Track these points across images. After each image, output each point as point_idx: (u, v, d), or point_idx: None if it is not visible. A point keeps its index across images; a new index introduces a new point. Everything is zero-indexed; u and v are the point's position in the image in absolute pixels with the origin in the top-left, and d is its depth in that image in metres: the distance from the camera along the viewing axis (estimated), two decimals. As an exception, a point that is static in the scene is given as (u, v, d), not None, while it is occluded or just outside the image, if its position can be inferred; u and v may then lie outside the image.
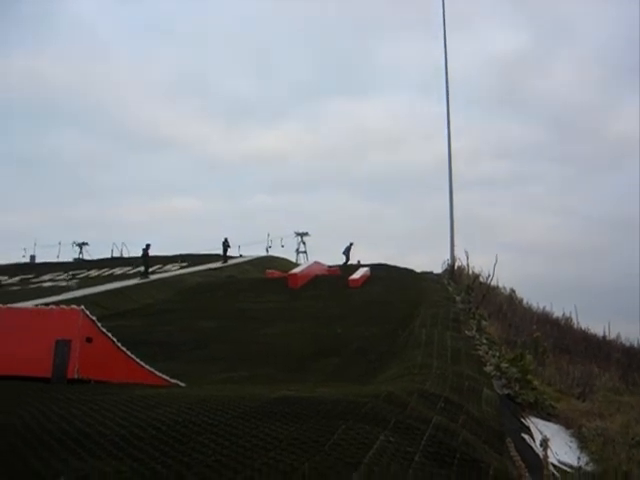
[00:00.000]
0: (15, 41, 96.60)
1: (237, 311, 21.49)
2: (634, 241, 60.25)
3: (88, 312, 8.38)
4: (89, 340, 8.19)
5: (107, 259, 45.41)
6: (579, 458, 8.44)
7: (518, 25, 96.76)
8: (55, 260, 47.06)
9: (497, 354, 12.93)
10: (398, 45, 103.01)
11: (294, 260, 47.82)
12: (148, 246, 33.62)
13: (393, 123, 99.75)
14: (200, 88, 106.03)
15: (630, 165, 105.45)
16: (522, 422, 9.28)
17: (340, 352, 14.06)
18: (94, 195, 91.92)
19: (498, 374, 11.32)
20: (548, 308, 25.28)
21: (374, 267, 35.15)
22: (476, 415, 6.96)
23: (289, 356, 13.82)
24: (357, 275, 29.13)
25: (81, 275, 36.33)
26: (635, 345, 21.71)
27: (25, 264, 45.54)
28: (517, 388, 10.93)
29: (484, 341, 14.40)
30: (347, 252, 41.34)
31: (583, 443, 9.57)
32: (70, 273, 36.85)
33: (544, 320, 23.48)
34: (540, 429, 9.40)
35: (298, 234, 50.98)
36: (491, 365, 11.76)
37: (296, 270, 31.04)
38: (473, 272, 26.79)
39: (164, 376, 9.25)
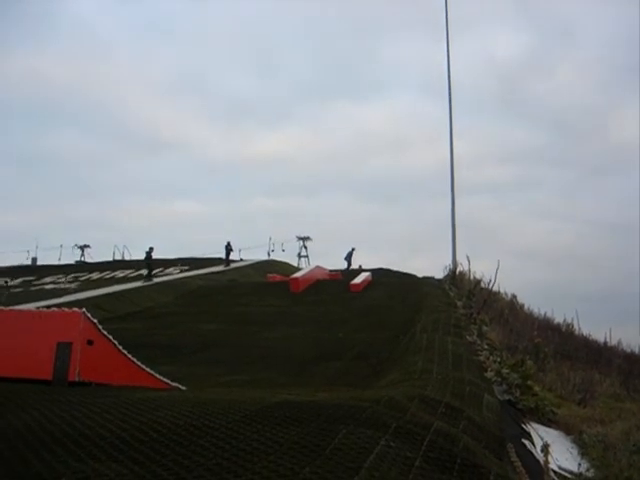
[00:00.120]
0: (16, 41, 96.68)
1: (238, 315, 21.49)
2: (635, 245, 60.21)
3: (89, 315, 8.39)
4: (90, 343, 8.19)
5: (109, 262, 45.41)
6: (580, 464, 8.44)
7: (520, 28, 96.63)
8: (57, 263, 47.09)
9: (498, 360, 12.92)
10: (400, 47, 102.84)
11: (295, 264, 47.86)
12: (151, 249, 33.67)
13: (395, 126, 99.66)
14: (201, 89, 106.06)
15: (631, 169, 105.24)
16: (523, 428, 9.27)
17: (341, 357, 14.06)
18: (95, 197, 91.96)
19: (499, 380, 11.31)
20: (549, 314, 25.26)
21: (375, 272, 35.15)
22: (477, 420, 6.96)
23: (290, 360, 13.82)
24: (358, 280, 29.12)
25: (83, 278, 36.34)
26: (636, 351, 21.68)
27: (26, 266, 45.55)
28: (518, 394, 10.92)
29: (485, 347, 14.39)
30: (349, 257, 41.39)
31: (584, 449, 9.56)
32: (72, 276, 36.87)
33: (545, 326, 23.45)
34: (541, 435, 9.39)
35: (300, 238, 51.04)
36: (492, 371, 11.75)
37: (298, 274, 31.03)
38: (474, 277, 26.79)
39: (165, 379, 9.25)
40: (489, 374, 11.52)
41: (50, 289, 30.01)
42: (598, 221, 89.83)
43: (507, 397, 10.66)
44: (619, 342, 22.22)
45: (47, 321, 8.67)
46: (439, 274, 33.15)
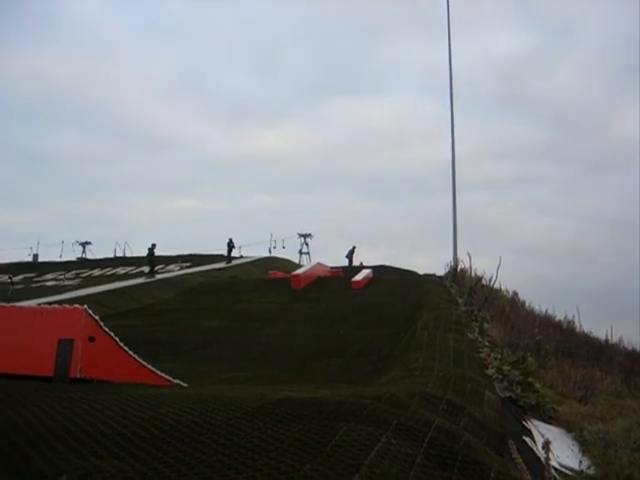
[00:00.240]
0: (16, 40, 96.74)
1: (239, 311, 21.50)
2: (636, 242, 60.17)
3: (91, 311, 8.40)
4: (92, 339, 8.20)
5: (110, 259, 45.44)
6: (580, 461, 8.43)
7: (520, 26, 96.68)
8: (58, 259, 47.15)
9: (499, 357, 12.93)
10: (401, 45, 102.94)
11: (297, 261, 47.90)
12: (154, 245, 33.70)
13: (396, 123, 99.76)
14: (200, 88, 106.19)
15: (632, 166, 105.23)
16: (524, 425, 9.27)
17: (342, 353, 14.06)
18: (96, 194, 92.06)
19: (500, 377, 11.31)
20: (550, 311, 25.30)
21: (376, 269, 35.15)
22: (478, 417, 6.96)
23: (291, 357, 13.83)
24: (359, 277, 29.12)
25: (84, 274, 36.36)
26: (637, 349, 21.70)
27: (28, 263, 45.60)
28: (519, 391, 10.92)
29: (486, 344, 14.39)
30: (350, 255, 41.49)
31: (585, 446, 9.55)
32: (73, 272, 36.89)
33: (546, 323, 23.47)
34: (541, 432, 9.39)
35: (301, 235, 51.06)
36: (493, 368, 11.75)
37: (299, 271, 31.05)
38: (476, 274, 26.81)
39: (166, 376, 9.26)
40: (490, 371, 11.52)
41: (51, 286, 30.06)
42: (598, 217, 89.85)
43: (508, 394, 10.66)
44: (620, 339, 22.26)
45: (48, 318, 8.67)
46: (440, 271, 33.19)
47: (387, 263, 41.31)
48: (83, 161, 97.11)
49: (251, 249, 46.30)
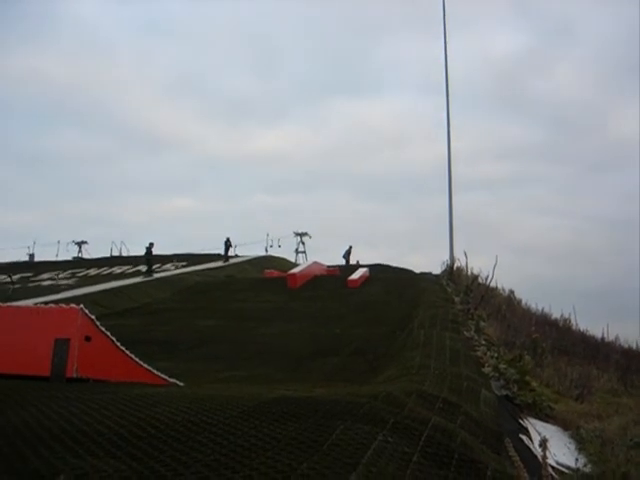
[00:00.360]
0: (16, 41, 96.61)
1: (236, 311, 21.51)
2: (634, 242, 60.21)
3: (87, 311, 8.38)
4: (88, 339, 8.18)
5: (106, 258, 45.41)
6: (577, 459, 8.43)
7: (518, 26, 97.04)
8: (54, 259, 47.08)
9: (495, 355, 12.93)
10: (399, 45, 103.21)
11: (293, 260, 47.91)
12: (152, 244, 33.70)
13: (395, 123, 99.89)
14: (200, 87, 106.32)
15: (630, 166, 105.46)
16: (520, 423, 9.28)
17: (338, 352, 14.07)
18: (94, 194, 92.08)
19: (496, 375, 11.32)
20: (547, 309, 25.32)
21: (373, 267, 35.18)
22: (474, 416, 6.97)
23: (287, 356, 13.83)
24: (356, 275, 29.14)
25: (80, 274, 36.32)
26: (634, 347, 21.73)
27: (24, 262, 45.54)
28: (515, 389, 10.93)
29: (483, 342, 14.40)
30: (347, 256, 41.58)
31: (581, 444, 9.56)
32: (69, 272, 36.84)
33: (543, 321, 23.49)
34: (538, 430, 9.40)
35: (297, 234, 51.05)
36: (489, 366, 11.75)
37: (295, 270, 31.05)
38: (472, 273, 26.77)
39: (163, 375, 9.25)
40: (486, 369, 11.52)
41: (47, 285, 30.02)
42: (597, 217, 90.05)
43: (504, 392, 10.67)
44: (617, 337, 22.28)
45: (44, 317, 8.65)
46: (437, 270, 33.23)
47: (384, 262, 41.39)
48: (82, 161, 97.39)
49: (247, 248, 46.40)
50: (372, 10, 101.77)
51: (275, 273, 34.10)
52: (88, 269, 38.70)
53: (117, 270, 37.08)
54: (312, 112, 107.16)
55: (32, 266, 42.45)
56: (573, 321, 24.10)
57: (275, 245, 49.12)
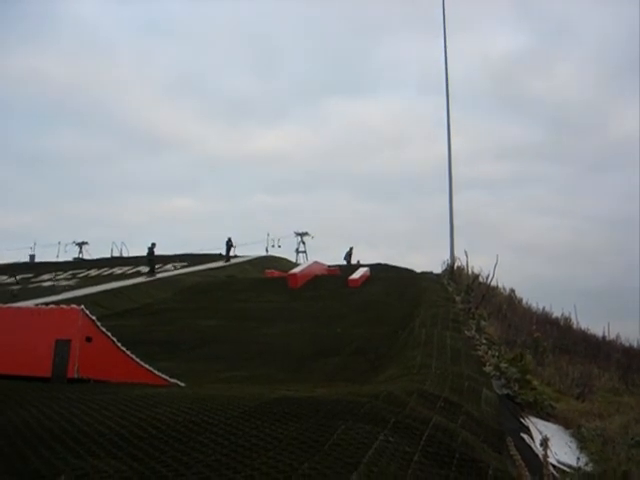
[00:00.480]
0: (16, 41, 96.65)
1: (237, 311, 21.49)
2: (634, 241, 60.22)
3: (88, 312, 8.39)
4: (89, 340, 8.19)
5: (107, 259, 45.40)
6: (578, 458, 8.43)
7: (518, 25, 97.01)
8: (55, 259, 47.09)
9: (496, 354, 12.93)
10: (399, 45, 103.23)
11: (294, 260, 47.91)
12: (154, 245, 33.71)
13: (394, 123, 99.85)
14: (200, 88, 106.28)
15: (630, 165, 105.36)
16: (521, 422, 9.28)
17: (339, 352, 14.06)
18: (94, 194, 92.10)
19: (497, 374, 11.31)
20: (548, 308, 25.29)
21: (374, 267, 35.17)
22: (475, 415, 6.97)
23: (288, 356, 13.82)
24: (356, 275, 29.12)
25: (81, 275, 36.32)
26: (635, 346, 21.71)
27: (25, 263, 45.53)
28: (516, 388, 10.92)
29: (484, 341, 14.39)
30: (348, 257, 41.59)
31: (582, 443, 9.56)
32: (69, 273, 36.84)
33: (544, 320, 23.47)
34: (539, 429, 9.40)
35: (298, 234, 51.05)
36: (490, 365, 11.75)
37: (296, 270, 31.03)
38: (473, 272, 26.77)
39: (164, 376, 9.25)
40: (487, 369, 11.52)
41: (48, 286, 30.02)
42: (597, 217, 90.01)
43: (506, 391, 10.66)
44: (618, 336, 22.25)
45: (45, 318, 8.66)
46: (437, 269, 33.22)
47: (385, 261, 41.39)
48: (82, 161, 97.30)
49: (248, 248, 46.36)
50: (372, 10, 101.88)
51: (276, 273, 34.09)
52: (89, 270, 38.69)
53: (118, 271, 37.05)
54: (312, 112, 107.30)
55: (32, 267, 42.43)
56: (574, 320, 24.10)
57: (275, 245, 49.17)
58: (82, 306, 8.48)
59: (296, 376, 11.25)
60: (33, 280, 34.85)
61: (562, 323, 23.94)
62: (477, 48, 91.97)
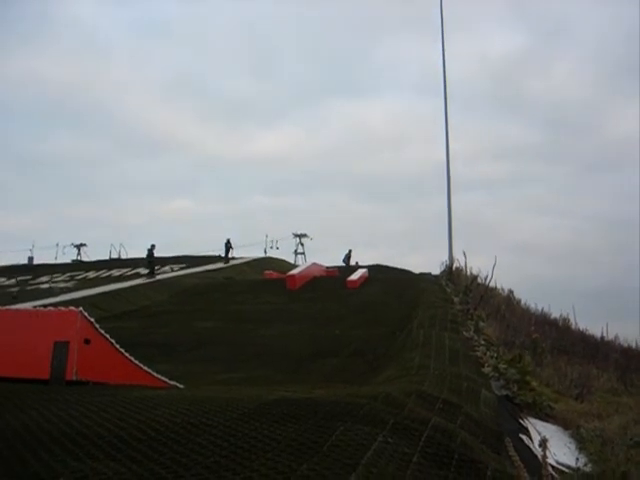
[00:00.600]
0: (15, 42, 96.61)
1: (235, 312, 21.48)
2: (633, 242, 60.23)
3: (86, 314, 8.38)
4: (87, 342, 8.18)
5: (105, 260, 45.36)
6: (577, 459, 8.44)
7: (516, 26, 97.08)
8: (53, 261, 47.02)
9: (495, 355, 12.94)
10: (397, 46, 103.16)
11: (292, 261, 47.90)
12: (153, 246, 33.69)
13: (392, 124, 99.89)
14: (199, 89, 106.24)
15: (629, 165, 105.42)
16: (520, 423, 9.28)
17: (338, 353, 14.06)
18: (92, 196, 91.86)
19: (496, 375, 11.32)
20: (546, 309, 25.31)
21: (372, 268, 35.16)
22: (474, 416, 6.97)
23: (287, 357, 13.83)
24: (355, 276, 29.11)
25: (79, 276, 36.27)
26: (633, 346, 21.72)
27: (23, 265, 45.47)
28: (515, 389, 10.93)
29: (482, 342, 14.40)
30: (347, 259, 41.56)
31: (581, 444, 9.56)
32: (68, 274, 36.80)
33: (542, 321, 23.49)
34: (538, 430, 9.40)
35: (296, 235, 51.05)
36: (489, 366, 11.76)
37: (294, 271, 31.01)
38: (471, 273, 26.76)
39: (162, 377, 9.25)
40: (486, 369, 11.53)
41: (46, 288, 29.99)
42: (596, 217, 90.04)
43: (504, 392, 10.67)
44: (616, 337, 22.28)
45: (44, 320, 8.66)
46: (436, 270, 33.21)
47: (383, 262, 41.38)
48: (81, 163, 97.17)
49: (246, 250, 46.30)
50: (371, 11, 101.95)
51: (274, 274, 34.08)
52: (87, 272, 38.64)
53: (116, 273, 36.99)
54: (311, 113, 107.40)
55: (31, 269, 42.39)
56: (572, 321, 24.12)
57: (274, 247, 49.16)
58: (80, 308, 8.47)
59: (294, 377, 11.25)
60: (31, 282, 34.80)
61: (561, 324, 23.95)
62: (475, 48, 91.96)
